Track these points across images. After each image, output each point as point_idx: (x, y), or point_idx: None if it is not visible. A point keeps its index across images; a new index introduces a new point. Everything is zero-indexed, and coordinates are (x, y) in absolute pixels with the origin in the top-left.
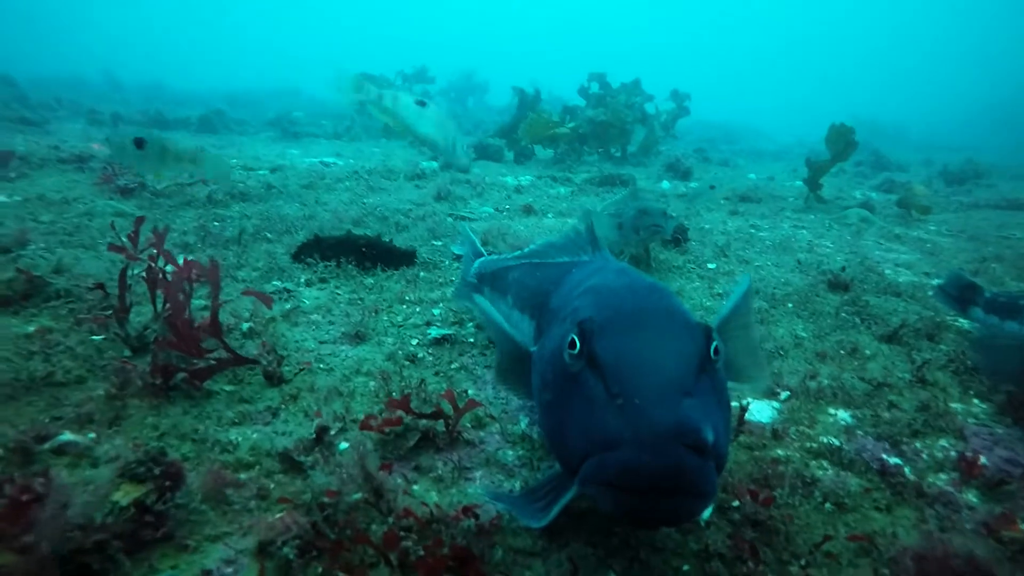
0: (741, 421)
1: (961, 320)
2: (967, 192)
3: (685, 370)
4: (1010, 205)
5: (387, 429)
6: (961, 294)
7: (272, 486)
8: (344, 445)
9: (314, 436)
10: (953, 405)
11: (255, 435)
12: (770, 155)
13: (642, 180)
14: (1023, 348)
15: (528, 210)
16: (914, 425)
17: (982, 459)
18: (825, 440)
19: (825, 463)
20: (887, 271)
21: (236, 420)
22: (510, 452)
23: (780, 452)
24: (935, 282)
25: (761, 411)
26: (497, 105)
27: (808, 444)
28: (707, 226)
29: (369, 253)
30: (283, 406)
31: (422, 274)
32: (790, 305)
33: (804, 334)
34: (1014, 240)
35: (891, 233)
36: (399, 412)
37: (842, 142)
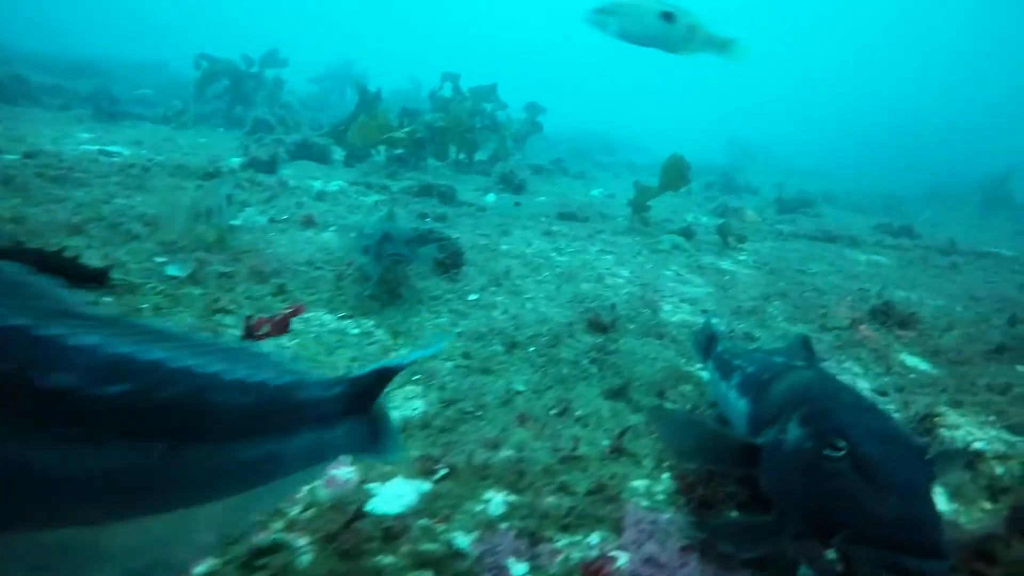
0: (355, 517)
1: (704, 372)
2: (791, 221)
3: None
4: (824, 237)
5: None
6: (707, 343)
7: None
8: None
9: None
10: (635, 483)
11: None
12: (644, 168)
13: (470, 192)
14: (692, 423)
15: (308, 222)
16: (572, 514)
17: (620, 560)
18: (452, 539)
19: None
20: (666, 307)
21: None
22: None
23: (382, 559)
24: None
25: (398, 497)
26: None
27: (426, 546)
28: (505, 247)
29: (41, 270)
30: None
31: (106, 299)
32: (531, 350)
33: (522, 388)
34: (808, 275)
35: (696, 263)
36: None
37: (676, 174)
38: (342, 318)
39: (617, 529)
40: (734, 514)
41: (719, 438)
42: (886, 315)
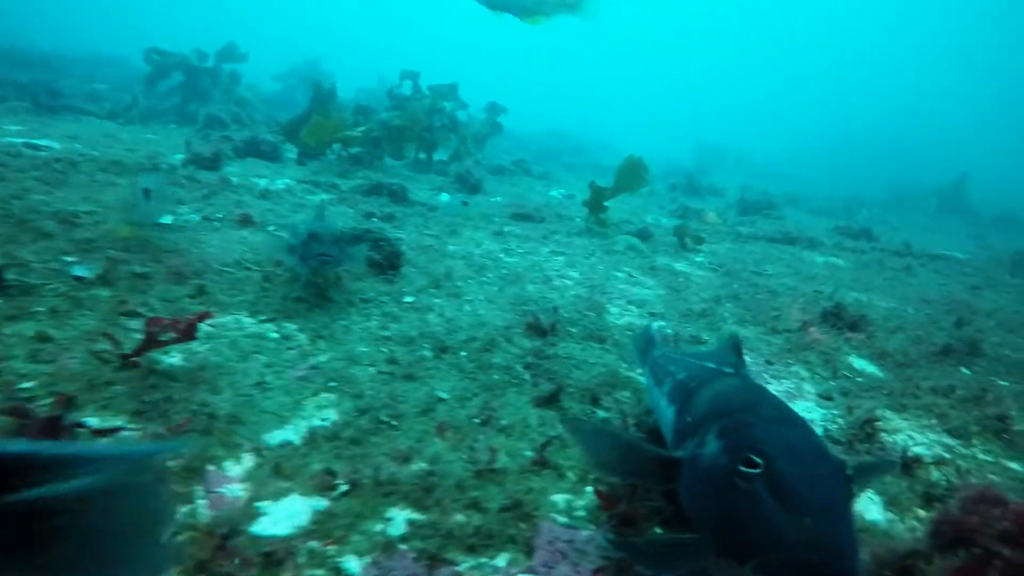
0: (226, 541)
1: (643, 378)
2: (751, 223)
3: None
4: (784, 239)
5: None
6: (646, 348)
7: None
8: None
9: None
10: (555, 498)
11: None
12: (610, 170)
13: (424, 192)
14: (609, 434)
15: (245, 221)
16: (480, 534)
17: None
18: (342, 563)
19: None
20: (613, 310)
21: None
22: None
23: None
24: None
25: (289, 516)
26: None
27: (311, 572)
28: (452, 248)
29: None
30: None
31: None
32: (463, 355)
33: (446, 396)
34: (763, 277)
35: (650, 265)
36: None
37: (632, 175)
38: (263, 321)
39: (528, 549)
40: (658, 531)
41: (637, 451)
42: (837, 317)
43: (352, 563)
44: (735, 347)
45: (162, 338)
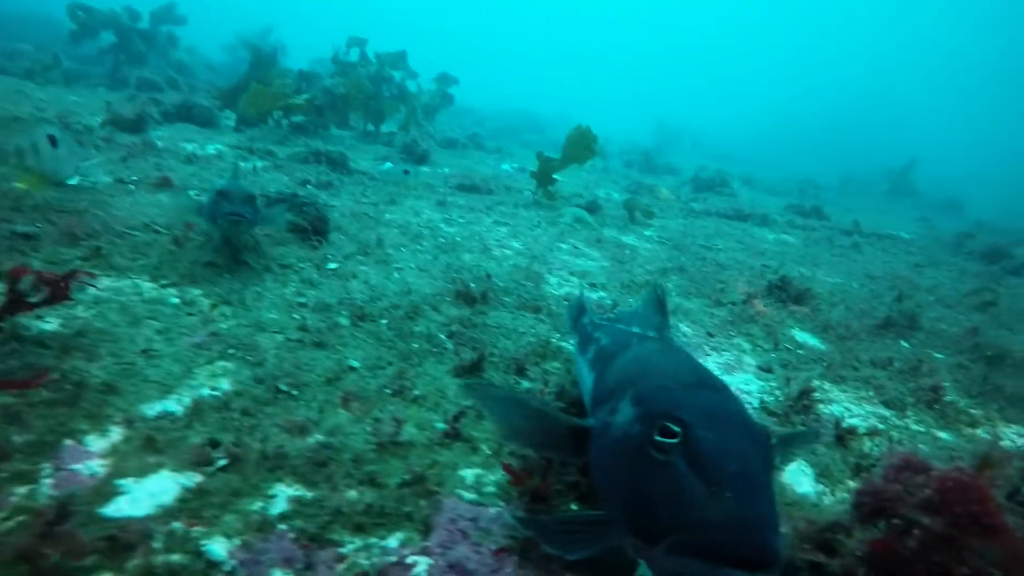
0: (53, 524)
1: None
2: (705, 200)
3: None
4: (736, 215)
5: None
6: (577, 317)
7: None
8: None
9: None
10: (464, 473)
11: None
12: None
13: (368, 161)
14: (517, 401)
15: (164, 184)
16: (373, 512)
17: (419, 568)
18: (206, 547)
19: None
20: (552, 280)
21: None
22: None
23: None
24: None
25: (153, 495)
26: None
27: (165, 558)
28: (389, 217)
29: None
30: None
31: None
32: (383, 323)
33: (358, 364)
34: (713, 251)
35: (596, 237)
36: None
37: (582, 146)
38: (165, 286)
39: (426, 528)
40: (574, 508)
41: (548, 419)
42: (782, 291)
43: (218, 546)
44: (660, 303)
45: (31, 299)
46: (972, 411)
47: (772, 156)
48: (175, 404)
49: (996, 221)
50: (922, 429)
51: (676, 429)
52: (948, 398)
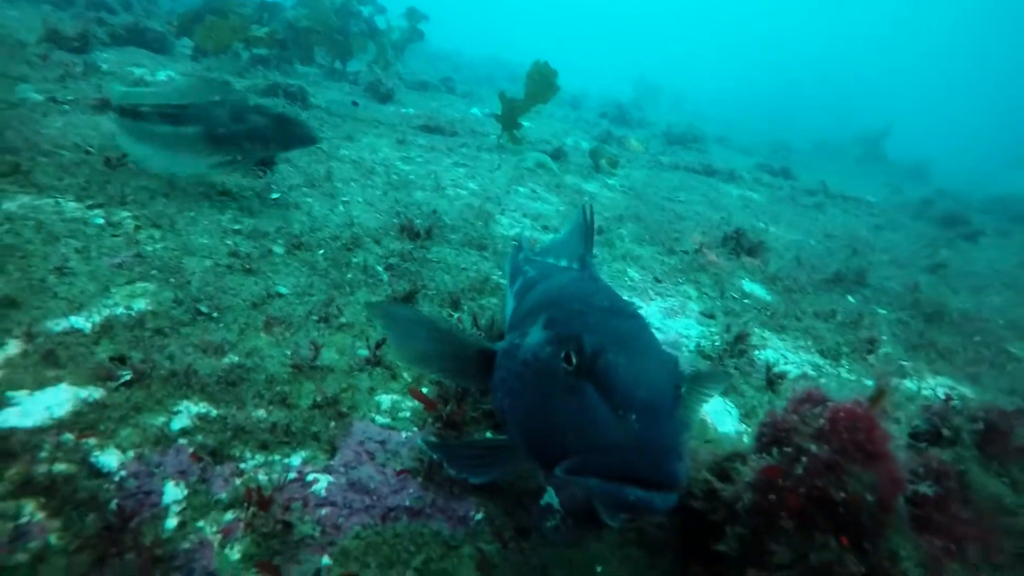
0: None
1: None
2: (674, 153)
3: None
4: (704, 170)
5: None
6: (515, 254)
7: None
8: None
9: None
10: (381, 399)
11: None
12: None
13: (330, 97)
14: (421, 321)
15: (103, 105)
16: (278, 431)
17: (319, 484)
18: (96, 458)
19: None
20: (504, 221)
21: None
22: None
23: None
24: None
25: (48, 407)
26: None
27: (47, 468)
28: (344, 152)
29: None
30: None
31: None
32: (320, 252)
33: (286, 291)
34: (674, 203)
35: (557, 183)
36: None
37: (543, 83)
38: (91, 207)
39: (331, 449)
40: (489, 435)
41: (455, 341)
42: (737, 243)
43: (110, 457)
44: (586, 230)
45: None
46: (903, 363)
47: (751, 122)
48: (83, 321)
49: (959, 189)
50: (852, 377)
51: (588, 351)
52: (884, 350)
